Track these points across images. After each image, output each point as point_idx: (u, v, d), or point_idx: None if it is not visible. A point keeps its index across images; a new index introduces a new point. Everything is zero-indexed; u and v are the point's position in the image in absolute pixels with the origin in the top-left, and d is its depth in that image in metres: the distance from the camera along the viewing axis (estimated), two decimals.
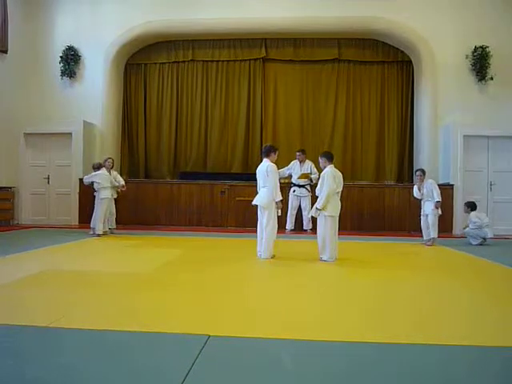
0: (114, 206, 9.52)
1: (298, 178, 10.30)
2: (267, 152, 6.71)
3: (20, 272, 5.21)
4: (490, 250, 8.05)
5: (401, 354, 2.87)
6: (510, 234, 10.32)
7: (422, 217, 8.66)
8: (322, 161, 6.60)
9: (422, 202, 8.65)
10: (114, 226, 9.65)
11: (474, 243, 8.61)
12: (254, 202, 6.68)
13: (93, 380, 2.42)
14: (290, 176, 10.44)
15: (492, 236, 8.67)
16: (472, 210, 8.84)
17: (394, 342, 3.04)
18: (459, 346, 3.00)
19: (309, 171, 10.31)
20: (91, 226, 9.27)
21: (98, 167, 9.25)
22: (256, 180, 6.79)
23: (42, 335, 3.10)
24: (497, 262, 6.47)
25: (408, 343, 3.04)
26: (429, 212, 8.49)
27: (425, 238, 8.63)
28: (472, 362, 2.79)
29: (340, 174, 6.54)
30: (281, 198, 6.53)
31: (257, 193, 6.76)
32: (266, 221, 6.50)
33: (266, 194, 6.52)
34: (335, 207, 6.40)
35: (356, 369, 2.63)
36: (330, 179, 6.34)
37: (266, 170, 6.50)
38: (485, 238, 8.59)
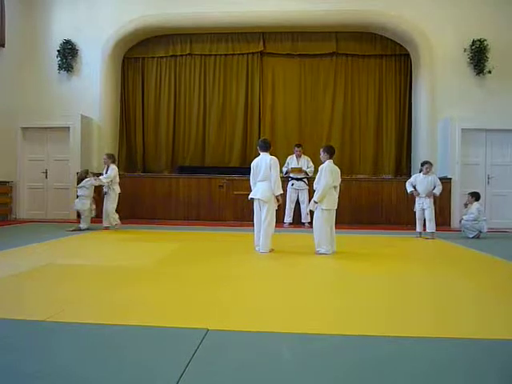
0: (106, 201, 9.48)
1: (292, 172, 10.33)
2: (268, 146, 6.73)
3: (18, 266, 5.21)
4: (488, 243, 8.07)
5: (410, 348, 2.87)
6: (507, 228, 10.37)
7: (418, 210, 8.76)
8: (323, 154, 6.63)
9: (422, 196, 8.72)
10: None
11: (470, 236, 8.67)
12: (253, 196, 6.63)
13: (90, 374, 2.42)
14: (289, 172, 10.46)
15: (487, 230, 8.72)
16: (477, 200, 8.87)
17: (399, 336, 3.05)
18: (470, 340, 3.01)
19: (305, 165, 10.34)
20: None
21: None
22: (249, 174, 6.79)
23: (39, 329, 3.10)
24: (497, 257, 6.47)
25: (417, 336, 3.04)
26: (427, 207, 8.62)
27: (419, 229, 8.76)
28: (483, 355, 2.79)
29: (338, 169, 6.59)
30: (281, 192, 6.57)
31: (249, 186, 6.77)
32: (265, 215, 6.51)
33: (266, 188, 6.52)
34: (331, 201, 6.43)
35: (360, 363, 2.63)
36: (328, 173, 6.39)
37: (269, 163, 6.51)
38: (480, 231, 8.65)
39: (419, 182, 8.73)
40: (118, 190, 9.26)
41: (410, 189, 8.80)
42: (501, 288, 4.64)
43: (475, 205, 8.79)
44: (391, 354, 2.75)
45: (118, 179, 9.28)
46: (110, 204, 9.18)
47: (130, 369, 2.50)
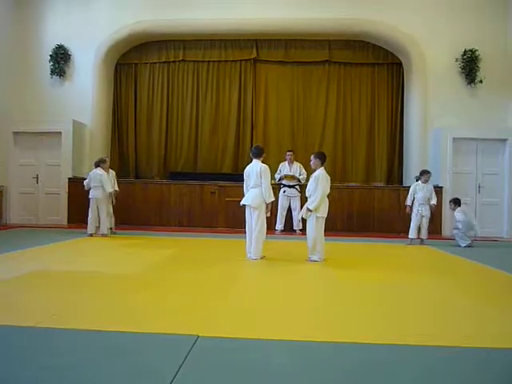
0: (111, 206, 9.42)
1: (285, 179, 10.35)
2: (261, 153, 6.71)
3: (8, 272, 5.17)
4: (479, 251, 8.11)
5: (404, 355, 2.87)
6: (498, 236, 10.44)
7: (417, 217, 8.90)
8: (314, 161, 6.61)
9: (421, 203, 8.88)
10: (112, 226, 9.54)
11: (462, 245, 8.69)
12: (244, 203, 6.64)
13: (81, 380, 2.41)
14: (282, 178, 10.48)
15: (479, 233, 8.86)
16: (458, 205, 8.97)
17: (394, 343, 3.05)
18: (464, 348, 3.01)
19: (297, 172, 10.36)
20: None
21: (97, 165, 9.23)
22: (243, 180, 6.78)
23: (30, 335, 3.07)
24: (489, 266, 6.48)
25: (411, 344, 3.04)
26: (425, 214, 8.86)
27: (413, 236, 8.91)
28: (477, 363, 2.79)
29: (329, 176, 6.60)
30: (273, 199, 6.55)
31: (243, 193, 6.77)
32: (256, 221, 6.50)
33: (257, 195, 6.52)
34: (326, 208, 6.44)
35: (354, 371, 2.62)
36: (324, 181, 6.40)
37: (259, 171, 6.50)
38: (472, 239, 8.70)
39: (419, 190, 8.89)
40: (91, 194, 9.11)
41: (410, 201, 8.92)
42: (493, 296, 4.65)
43: (457, 212, 8.89)
44: (385, 362, 2.75)
45: (94, 183, 9.04)
46: None
47: (119, 375, 2.47)
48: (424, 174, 8.96)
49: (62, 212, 11.16)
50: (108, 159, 9.73)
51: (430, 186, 8.98)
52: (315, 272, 5.89)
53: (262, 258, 6.51)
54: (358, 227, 10.75)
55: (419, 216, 8.83)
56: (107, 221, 9.13)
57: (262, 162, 6.68)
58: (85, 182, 9.18)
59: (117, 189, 9.58)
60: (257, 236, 6.50)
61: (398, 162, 12.01)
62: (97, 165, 9.17)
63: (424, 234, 8.88)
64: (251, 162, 6.75)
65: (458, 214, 8.83)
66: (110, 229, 9.37)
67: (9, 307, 3.80)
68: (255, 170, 6.54)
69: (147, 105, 12.53)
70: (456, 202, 9.03)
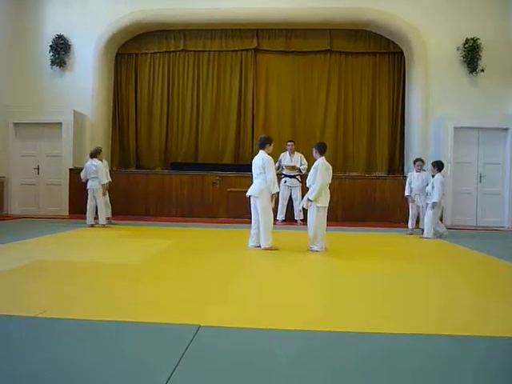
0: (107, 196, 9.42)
1: (286, 169, 10.34)
2: (263, 144, 6.68)
3: (9, 263, 5.18)
4: (479, 241, 8.14)
5: (408, 344, 2.87)
6: (499, 226, 10.43)
7: (414, 207, 8.90)
8: (314, 151, 6.63)
9: (417, 194, 8.82)
10: (110, 216, 9.53)
11: (441, 231, 8.41)
12: (247, 194, 6.65)
13: (82, 370, 2.41)
14: (281, 167, 10.46)
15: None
16: (439, 170, 8.30)
17: (397, 333, 3.06)
18: (468, 337, 3.02)
19: (298, 162, 10.35)
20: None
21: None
22: (251, 171, 6.76)
23: (30, 325, 3.08)
24: (488, 254, 6.50)
25: (415, 333, 3.04)
26: (422, 204, 8.77)
27: (411, 226, 8.93)
28: (481, 352, 2.80)
29: (330, 166, 6.59)
30: (278, 190, 6.54)
31: (251, 184, 6.75)
32: (260, 210, 6.48)
33: (258, 184, 6.52)
34: (326, 198, 6.44)
35: (357, 360, 2.63)
36: (323, 171, 6.38)
37: (261, 163, 6.49)
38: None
39: (414, 180, 8.84)
40: (88, 185, 9.11)
41: (407, 192, 8.88)
42: (496, 285, 4.65)
43: (438, 177, 8.21)
44: (388, 351, 2.75)
45: (90, 175, 9.05)
46: None
47: (120, 365, 2.48)
48: (415, 163, 8.90)
49: (63, 202, 11.17)
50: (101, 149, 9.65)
51: (425, 175, 8.78)
52: (316, 262, 5.90)
53: (271, 248, 6.44)
54: (359, 217, 10.74)
55: (415, 206, 8.82)
56: (104, 211, 9.12)
57: (272, 151, 6.72)
58: (81, 174, 9.18)
59: (109, 179, 9.39)
60: (263, 224, 6.48)
61: (399, 152, 11.98)
62: (92, 155, 9.15)
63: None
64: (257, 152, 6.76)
65: (439, 181, 8.14)
66: (107, 218, 9.34)
67: (10, 297, 3.81)
68: (258, 162, 6.55)
69: (148, 95, 12.49)
70: (439, 166, 8.34)
